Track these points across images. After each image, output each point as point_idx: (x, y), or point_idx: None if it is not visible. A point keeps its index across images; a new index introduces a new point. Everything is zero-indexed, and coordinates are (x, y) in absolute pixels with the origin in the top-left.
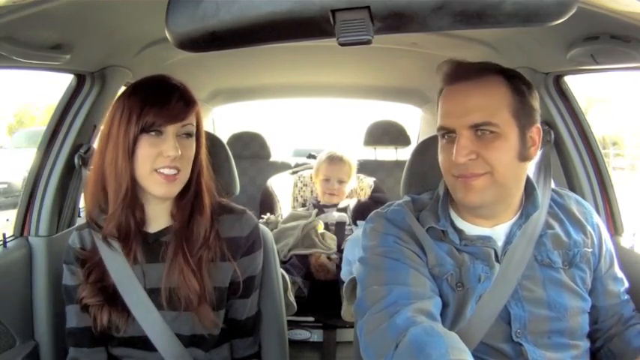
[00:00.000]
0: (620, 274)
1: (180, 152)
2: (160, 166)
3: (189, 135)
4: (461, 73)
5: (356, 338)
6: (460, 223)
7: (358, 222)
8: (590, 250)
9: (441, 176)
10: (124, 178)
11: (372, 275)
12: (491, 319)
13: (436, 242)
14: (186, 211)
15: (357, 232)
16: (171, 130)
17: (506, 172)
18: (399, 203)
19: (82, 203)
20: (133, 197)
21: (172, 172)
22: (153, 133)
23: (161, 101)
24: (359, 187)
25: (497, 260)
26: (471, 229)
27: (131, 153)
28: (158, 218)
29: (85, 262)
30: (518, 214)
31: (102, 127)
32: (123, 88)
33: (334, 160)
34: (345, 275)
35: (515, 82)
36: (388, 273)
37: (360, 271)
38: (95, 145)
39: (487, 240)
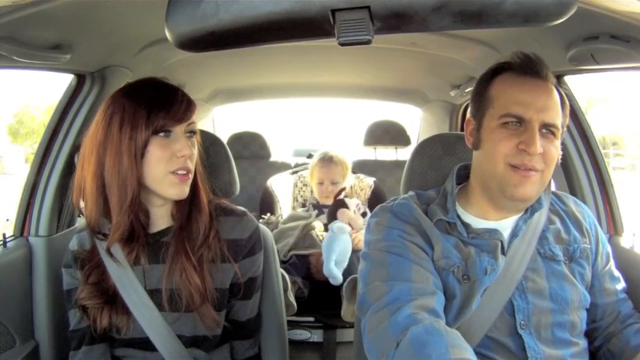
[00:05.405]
0: (616, 273)
1: (193, 151)
2: (174, 168)
3: (193, 133)
4: (536, 68)
5: (356, 338)
6: (467, 218)
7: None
8: (588, 246)
9: (441, 176)
10: (130, 185)
11: (375, 271)
12: (497, 311)
13: (443, 235)
14: (186, 210)
15: (329, 233)
16: (179, 130)
17: (551, 174)
18: (404, 197)
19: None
20: (138, 202)
21: (184, 172)
22: (162, 134)
23: (168, 103)
24: (359, 186)
25: (503, 252)
26: (478, 222)
27: (140, 158)
28: (159, 219)
29: (85, 263)
30: (524, 209)
31: (92, 132)
32: None
33: (325, 162)
34: (330, 274)
35: (559, 92)
36: (390, 269)
37: (362, 267)
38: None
39: (494, 232)
